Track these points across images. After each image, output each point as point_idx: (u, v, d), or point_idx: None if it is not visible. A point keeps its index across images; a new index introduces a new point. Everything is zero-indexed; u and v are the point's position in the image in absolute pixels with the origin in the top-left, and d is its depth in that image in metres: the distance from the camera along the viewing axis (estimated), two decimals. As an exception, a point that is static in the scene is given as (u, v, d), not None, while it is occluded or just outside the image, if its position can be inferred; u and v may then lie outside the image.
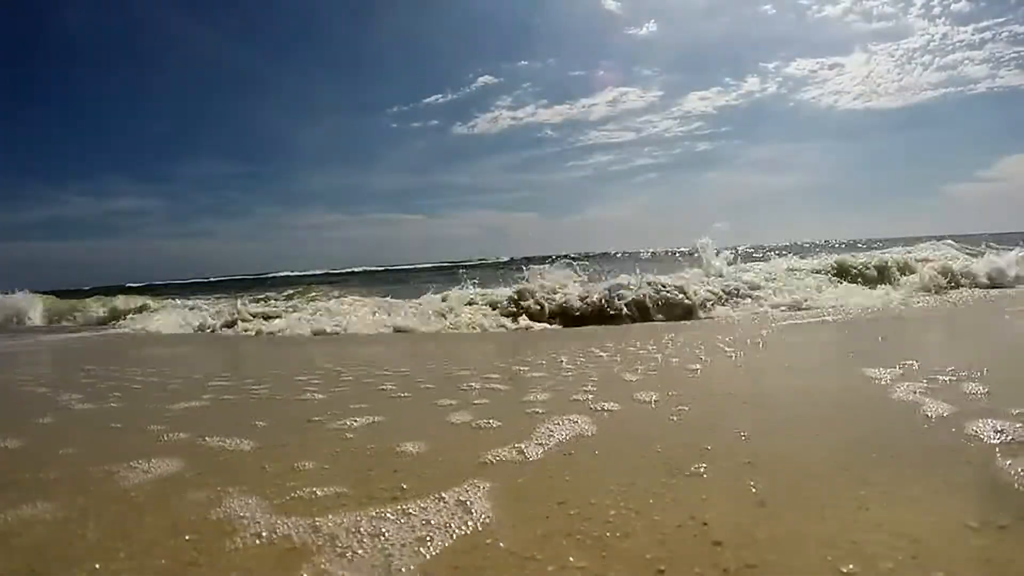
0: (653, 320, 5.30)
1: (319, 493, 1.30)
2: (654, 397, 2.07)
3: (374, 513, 1.18)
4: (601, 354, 3.21)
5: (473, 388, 2.42)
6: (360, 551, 1.02)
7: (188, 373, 3.42)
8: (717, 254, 7.01)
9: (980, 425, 1.54)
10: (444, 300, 6.71)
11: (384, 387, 2.57)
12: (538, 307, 5.66)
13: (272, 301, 8.65)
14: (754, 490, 1.20)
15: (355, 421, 1.95)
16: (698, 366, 2.68)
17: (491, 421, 1.86)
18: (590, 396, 2.12)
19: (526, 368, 2.90)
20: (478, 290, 7.11)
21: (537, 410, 1.96)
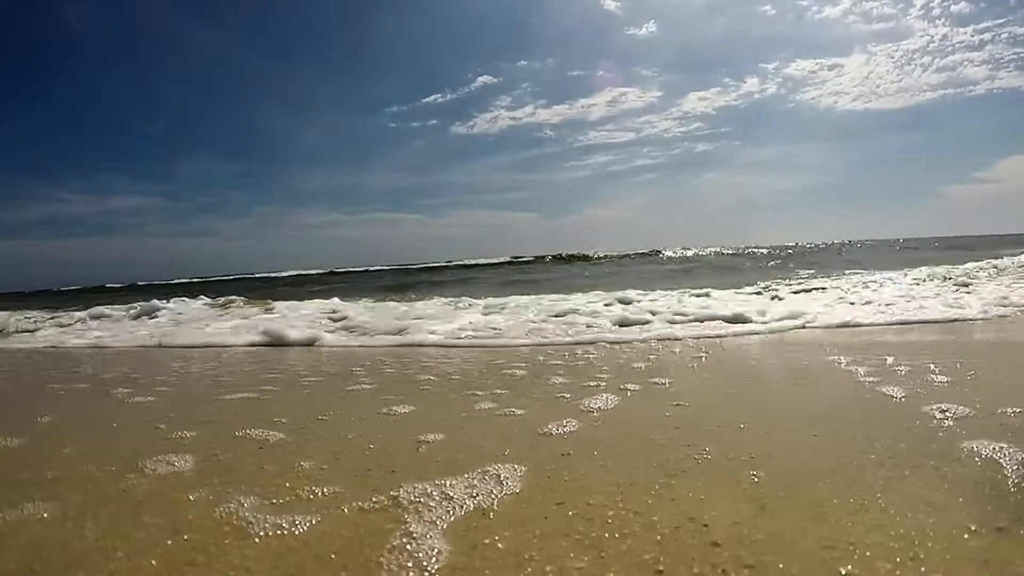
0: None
1: (319, 492, 1.30)
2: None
3: (372, 513, 1.18)
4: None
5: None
6: (357, 553, 1.03)
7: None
8: None
9: (980, 428, 1.55)
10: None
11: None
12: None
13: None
14: (753, 491, 1.21)
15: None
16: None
17: (512, 410, 1.86)
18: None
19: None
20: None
21: (565, 395, 1.97)
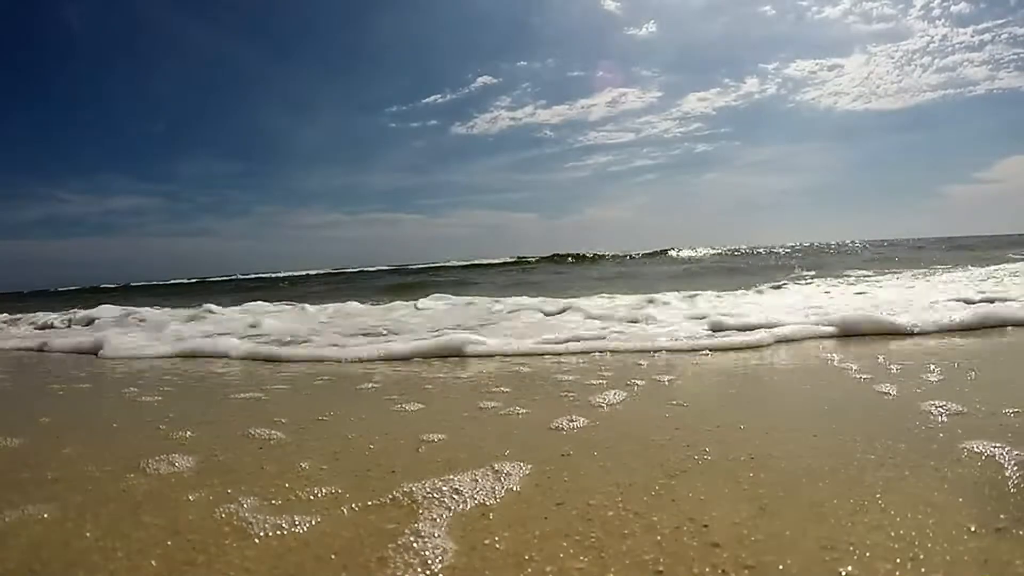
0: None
1: (319, 493, 1.30)
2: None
3: (372, 514, 1.18)
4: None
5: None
6: (357, 553, 1.03)
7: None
8: None
9: (979, 429, 1.55)
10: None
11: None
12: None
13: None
14: (753, 491, 1.21)
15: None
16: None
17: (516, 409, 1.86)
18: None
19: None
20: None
21: (568, 392, 1.97)
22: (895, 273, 9.90)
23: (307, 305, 7.88)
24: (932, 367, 2.33)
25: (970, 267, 10.14)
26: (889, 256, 16.40)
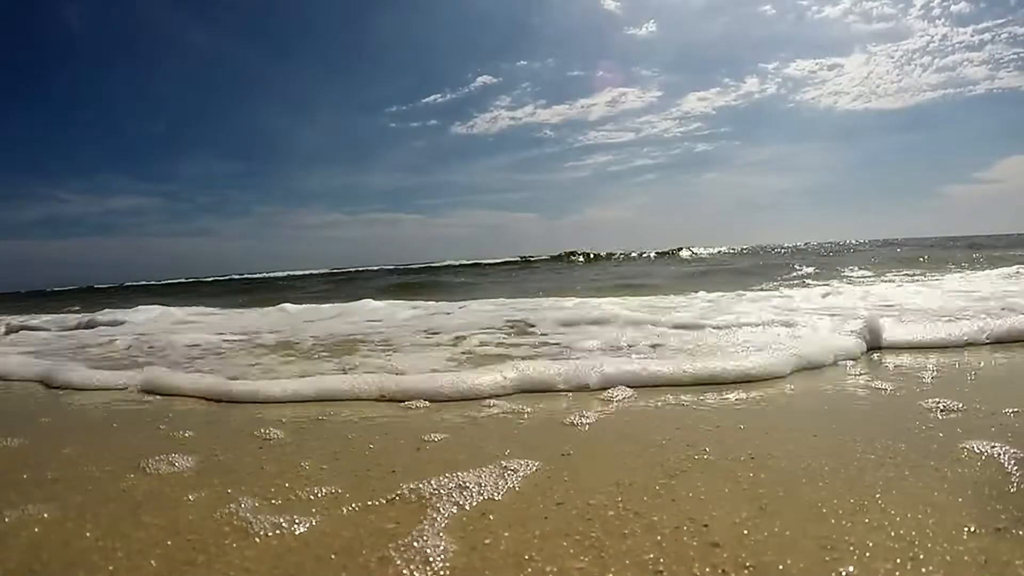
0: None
1: (319, 493, 1.30)
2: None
3: (371, 513, 1.18)
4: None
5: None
6: (357, 553, 1.03)
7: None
8: None
9: (978, 429, 1.55)
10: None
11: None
12: None
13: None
14: (753, 491, 1.21)
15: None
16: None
17: (521, 406, 1.86)
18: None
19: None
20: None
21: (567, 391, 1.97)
22: (939, 272, 9.08)
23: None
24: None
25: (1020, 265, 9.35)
26: (907, 256, 14.78)
